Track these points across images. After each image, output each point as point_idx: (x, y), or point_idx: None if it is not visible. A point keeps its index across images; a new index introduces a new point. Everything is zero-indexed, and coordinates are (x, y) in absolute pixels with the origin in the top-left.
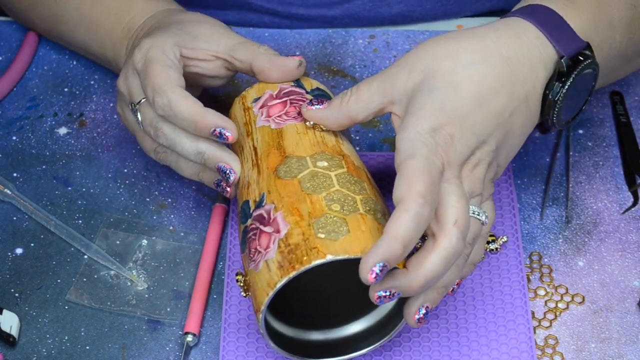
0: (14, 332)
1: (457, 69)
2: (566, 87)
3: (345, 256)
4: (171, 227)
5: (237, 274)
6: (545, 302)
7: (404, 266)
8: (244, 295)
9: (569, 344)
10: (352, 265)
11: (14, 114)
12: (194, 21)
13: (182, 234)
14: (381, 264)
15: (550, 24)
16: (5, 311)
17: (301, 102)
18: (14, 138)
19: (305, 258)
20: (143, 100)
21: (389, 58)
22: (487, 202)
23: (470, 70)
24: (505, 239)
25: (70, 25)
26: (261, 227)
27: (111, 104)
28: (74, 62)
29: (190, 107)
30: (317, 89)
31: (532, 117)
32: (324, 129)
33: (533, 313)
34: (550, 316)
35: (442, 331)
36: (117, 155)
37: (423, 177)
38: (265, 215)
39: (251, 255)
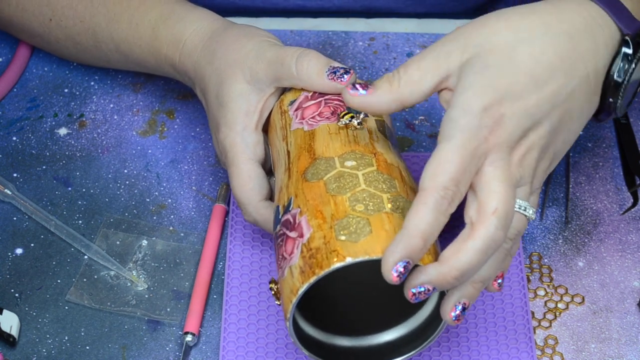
0: (14, 332)
1: (515, 44)
2: (633, 66)
3: (366, 257)
4: (171, 228)
5: (270, 282)
6: (545, 302)
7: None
8: (277, 303)
9: (569, 344)
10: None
11: (14, 114)
12: (229, 92)
13: (182, 234)
14: (404, 262)
15: (609, 2)
16: (5, 311)
17: (336, 102)
18: (14, 138)
19: (325, 262)
20: None
21: (389, 60)
22: (534, 195)
23: (530, 45)
24: None
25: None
26: (287, 232)
27: (111, 105)
28: (74, 63)
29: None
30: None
31: (592, 98)
32: (357, 127)
33: (533, 313)
34: (550, 316)
35: (442, 331)
36: (117, 155)
37: (451, 166)
38: (291, 220)
39: (279, 263)
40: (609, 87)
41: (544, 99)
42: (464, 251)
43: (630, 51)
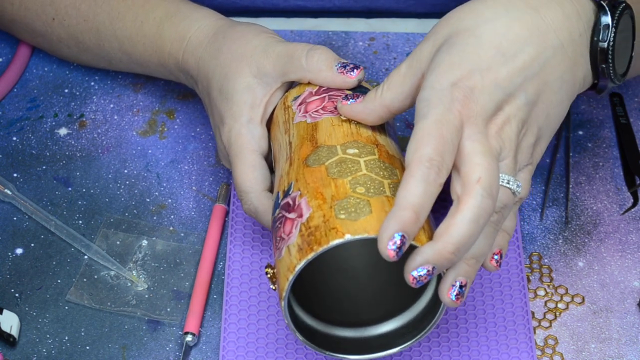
0: (14, 332)
1: (479, 24)
2: (614, 28)
3: (365, 235)
4: (171, 228)
5: (266, 267)
6: (545, 302)
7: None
8: (273, 288)
9: (569, 344)
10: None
11: (14, 114)
12: (231, 82)
13: (182, 234)
14: (399, 235)
15: None
16: (5, 311)
17: (340, 98)
18: (15, 138)
19: (323, 239)
20: None
21: (389, 60)
22: (524, 171)
23: (494, 23)
24: None
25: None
26: (286, 214)
27: (111, 105)
28: (74, 63)
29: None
30: (360, 86)
31: (573, 67)
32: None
33: (533, 313)
34: (550, 316)
35: (442, 331)
36: (117, 155)
37: (431, 139)
38: (290, 202)
39: (276, 244)
40: (596, 54)
41: (515, 71)
42: (455, 225)
43: (608, 16)
